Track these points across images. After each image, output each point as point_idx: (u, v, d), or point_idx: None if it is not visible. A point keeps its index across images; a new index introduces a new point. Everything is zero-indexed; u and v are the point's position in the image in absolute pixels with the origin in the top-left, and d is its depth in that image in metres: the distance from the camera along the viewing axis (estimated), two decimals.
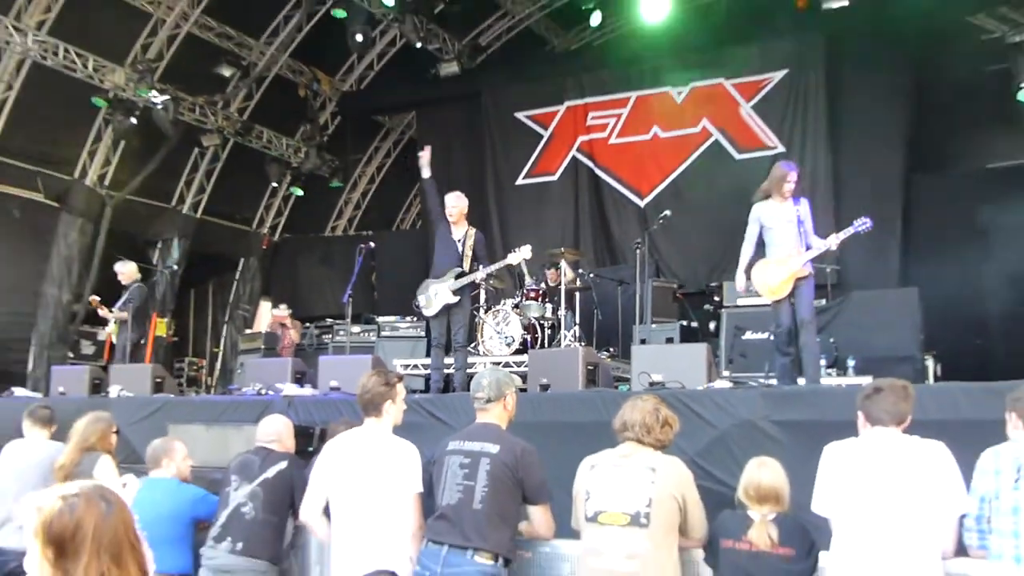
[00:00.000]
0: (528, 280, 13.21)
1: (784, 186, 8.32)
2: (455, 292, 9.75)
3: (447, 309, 9.83)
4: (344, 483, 5.18)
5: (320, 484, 5.30)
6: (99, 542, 2.22)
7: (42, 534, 2.23)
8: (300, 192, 19.99)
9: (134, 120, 15.59)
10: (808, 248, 8.27)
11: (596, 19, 16.39)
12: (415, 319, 15.44)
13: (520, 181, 17.99)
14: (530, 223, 17.45)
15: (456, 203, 10.02)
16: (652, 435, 4.83)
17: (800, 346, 8.26)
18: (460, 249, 9.87)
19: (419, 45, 16.77)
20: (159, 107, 15.36)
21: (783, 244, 8.32)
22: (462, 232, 9.96)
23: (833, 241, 8.30)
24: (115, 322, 12.54)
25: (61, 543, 2.21)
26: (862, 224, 8.29)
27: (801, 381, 8.17)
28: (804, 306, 8.21)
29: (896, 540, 4.23)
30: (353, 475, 5.15)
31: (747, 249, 8.53)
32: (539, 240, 16.21)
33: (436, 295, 9.85)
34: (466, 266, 9.84)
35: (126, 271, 12.82)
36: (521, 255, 10.24)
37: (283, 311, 17.33)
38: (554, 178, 17.69)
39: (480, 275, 9.99)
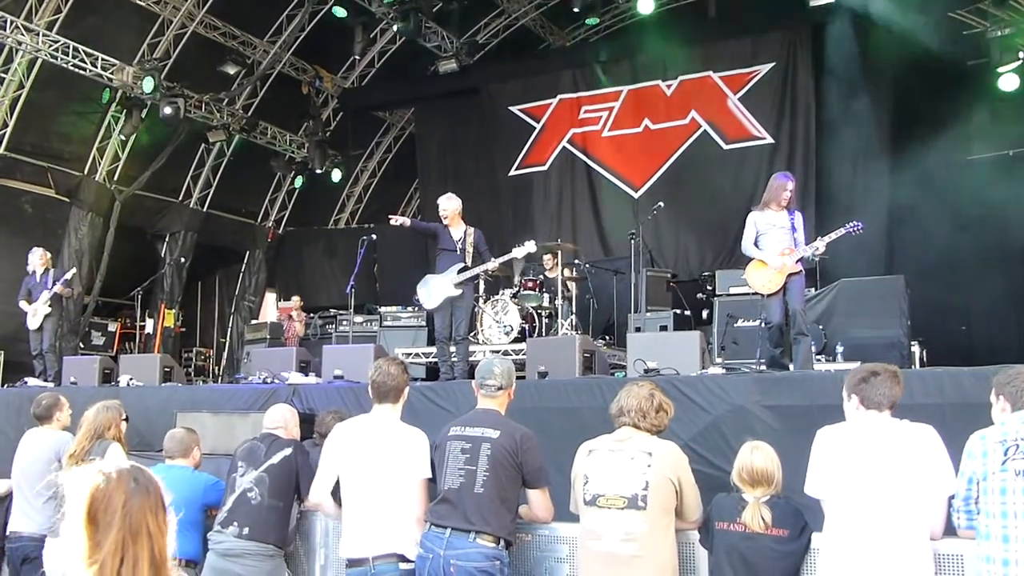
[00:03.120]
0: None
1: (783, 195, 8.58)
2: (457, 286, 9.90)
3: (449, 302, 9.98)
4: (356, 467, 5.21)
5: (331, 466, 5.33)
6: (125, 520, 2.27)
7: (82, 509, 2.27)
8: (301, 183, 20.19)
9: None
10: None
11: (590, 18, 16.72)
12: (416, 309, 15.64)
13: (512, 172, 18.26)
14: (524, 213, 17.80)
15: (447, 205, 10.16)
16: (648, 420, 4.86)
17: (793, 335, 8.48)
18: (461, 247, 10.01)
19: (414, 44, 17.01)
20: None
21: (776, 247, 8.55)
22: (460, 231, 10.11)
23: (822, 243, 8.60)
24: (47, 304, 12.42)
25: (94, 518, 2.26)
26: (853, 226, 8.60)
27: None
28: (795, 297, 8.43)
29: (887, 521, 4.26)
30: (365, 459, 5.18)
31: (751, 248, 8.69)
32: (533, 230, 16.63)
33: (437, 288, 9.98)
34: (469, 262, 10.00)
35: (37, 258, 12.69)
36: (526, 249, 10.39)
37: (292, 303, 17.53)
38: (544, 168, 17.95)
39: (483, 268, 10.12)
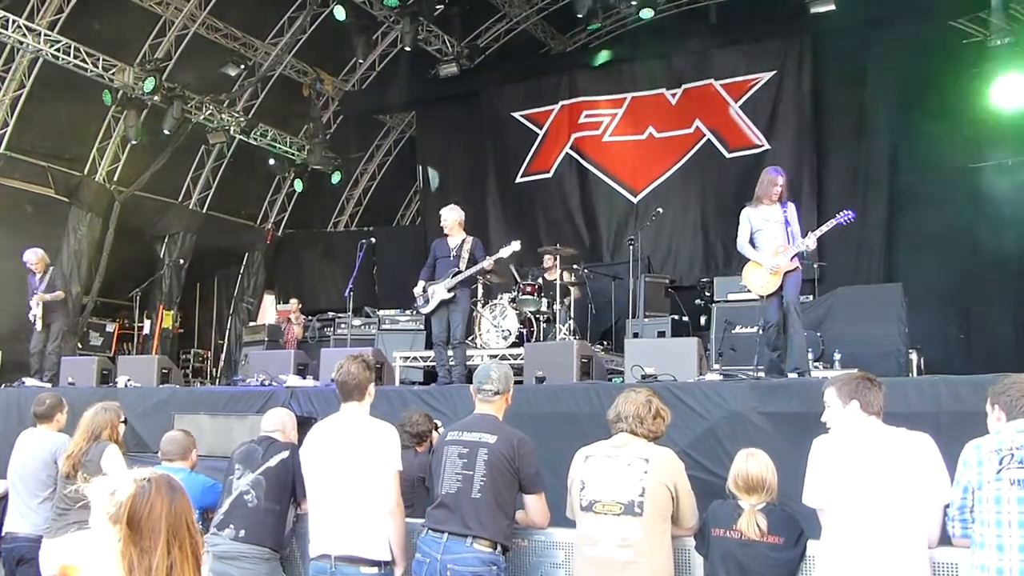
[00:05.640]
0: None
1: (773, 190, 8.55)
2: (450, 290, 10.09)
3: (445, 305, 10.17)
4: (324, 465, 5.19)
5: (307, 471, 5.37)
6: (169, 525, 2.37)
7: (120, 516, 2.34)
8: (300, 187, 20.17)
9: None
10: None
11: (591, 23, 16.71)
12: (414, 312, 15.71)
13: (519, 179, 18.25)
14: (527, 219, 17.76)
15: (449, 215, 10.39)
16: (645, 426, 4.88)
17: (787, 331, 8.41)
18: (456, 254, 10.21)
19: (415, 47, 17.05)
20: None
21: (771, 244, 8.49)
22: (458, 240, 10.32)
23: (812, 238, 8.48)
24: (38, 305, 12.40)
25: (137, 524, 2.34)
26: (844, 216, 8.50)
27: (791, 374, 8.26)
28: (790, 291, 8.38)
29: (884, 529, 4.27)
30: (333, 458, 5.15)
31: (747, 247, 8.63)
32: (536, 236, 16.64)
33: (434, 294, 10.21)
34: (462, 267, 10.17)
35: (37, 259, 12.58)
36: (511, 248, 10.56)
37: (291, 306, 17.56)
38: (549, 175, 17.94)
39: (473, 271, 10.24)
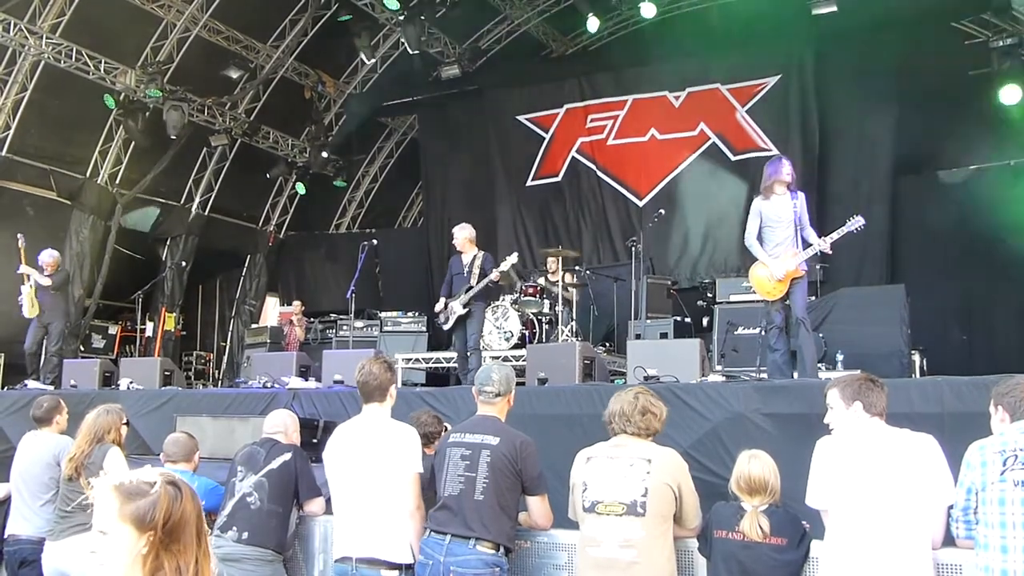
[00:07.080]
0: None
1: (783, 175, 8.42)
2: (464, 305, 10.61)
3: (462, 319, 10.70)
4: (346, 467, 5.20)
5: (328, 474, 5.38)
6: (196, 527, 2.40)
7: (157, 522, 2.34)
8: (303, 191, 20.23)
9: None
10: (805, 246, 8.32)
11: (593, 25, 16.67)
12: (417, 314, 15.80)
13: (530, 183, 18.23)
14: (535, 223, 17.83)
15: (459, 234, 10.93)
16: (633, 424, 4.86)
17: (797, 343, 8.30)
18: (468, 270, 10.69)
19: (419, 50, 17.07)
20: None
21: (782, 242, 8.35)
22: (471, 256, 10.80)
23: (826, 243, 8.30)
24: (31, 286, 12.47)
25: (171, 529, 2.35)
26: (855, 223, 8.32)
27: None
28: (799, 305, 8.24)
29: (888, 530, 4.25)
30: (355, 459, 5.15)
31: (755, 244, 8.47)
32: (546, 239, 16.66)
33: (452, 311, 10.72)
34: (474, 282, 10.61)
35: (52, 260, 12.71)
36: (509, 262, 10.98)
37: (294, 308, 17.55)
38: (558, 179, 17.93)
39: (483, 284, 10.60)
